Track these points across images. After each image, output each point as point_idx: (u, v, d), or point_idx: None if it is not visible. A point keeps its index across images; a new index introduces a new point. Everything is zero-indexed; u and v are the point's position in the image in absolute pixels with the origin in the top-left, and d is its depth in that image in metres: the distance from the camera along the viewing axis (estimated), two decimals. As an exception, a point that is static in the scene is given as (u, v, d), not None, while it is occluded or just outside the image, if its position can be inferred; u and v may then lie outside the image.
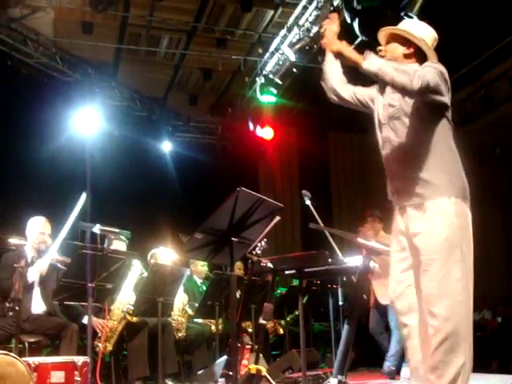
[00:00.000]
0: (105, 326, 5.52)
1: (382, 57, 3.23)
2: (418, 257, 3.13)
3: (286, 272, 5.01)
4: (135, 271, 6.00)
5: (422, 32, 3.32)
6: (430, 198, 3.11)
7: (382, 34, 3.42)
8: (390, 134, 3.29)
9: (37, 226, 5.67)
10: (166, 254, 6.64)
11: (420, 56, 3.31)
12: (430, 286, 3.05)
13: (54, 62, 9.12)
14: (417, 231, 3.14)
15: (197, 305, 6.89)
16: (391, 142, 3.28)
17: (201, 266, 7.57)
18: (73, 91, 9.21)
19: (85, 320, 5.45)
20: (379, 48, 3.36)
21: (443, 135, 3.18)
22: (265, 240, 4.21)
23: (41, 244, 5.56)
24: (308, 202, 5.09)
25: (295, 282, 8.45)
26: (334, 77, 3.57)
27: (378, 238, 6.34)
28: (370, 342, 7.34)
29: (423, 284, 3.09)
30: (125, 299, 5.92)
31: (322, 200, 7.38)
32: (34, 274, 5.40)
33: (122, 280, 5.58)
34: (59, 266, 5.32)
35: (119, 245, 6.05)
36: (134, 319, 5.94)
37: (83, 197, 5.07)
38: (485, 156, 11.47)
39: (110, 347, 5.73)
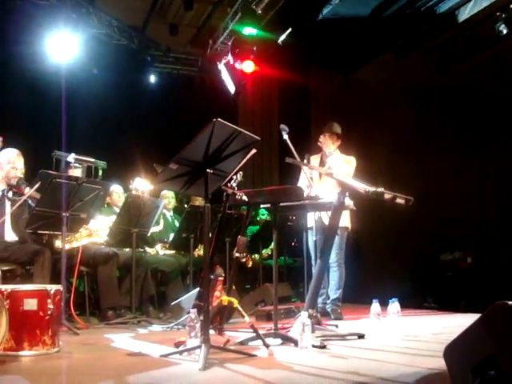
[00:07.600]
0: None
1: None
2: None
3: (262, 205, 5.01)
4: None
5: None
6: None
7: None
8: None
9: (9, 158, 5.51)
10: (141, 184, 6.58)
11: None
12: None
13: (30, -16, 8.75)
14: None
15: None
16: None
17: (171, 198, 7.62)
18: (48, 16, 8.84)
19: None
20: None
21: None
22: (240, 173, 4.17)
23: (12, 179, 5.45)
24: (286, 137, 5.01)
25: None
26: None
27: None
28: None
29: None
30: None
31: (301, 136, 7.30)
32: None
33: (95, 209, 5.56)
34: (30, 202, 5.26)
35: (76, 172, 6.02)
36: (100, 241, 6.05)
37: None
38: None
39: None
